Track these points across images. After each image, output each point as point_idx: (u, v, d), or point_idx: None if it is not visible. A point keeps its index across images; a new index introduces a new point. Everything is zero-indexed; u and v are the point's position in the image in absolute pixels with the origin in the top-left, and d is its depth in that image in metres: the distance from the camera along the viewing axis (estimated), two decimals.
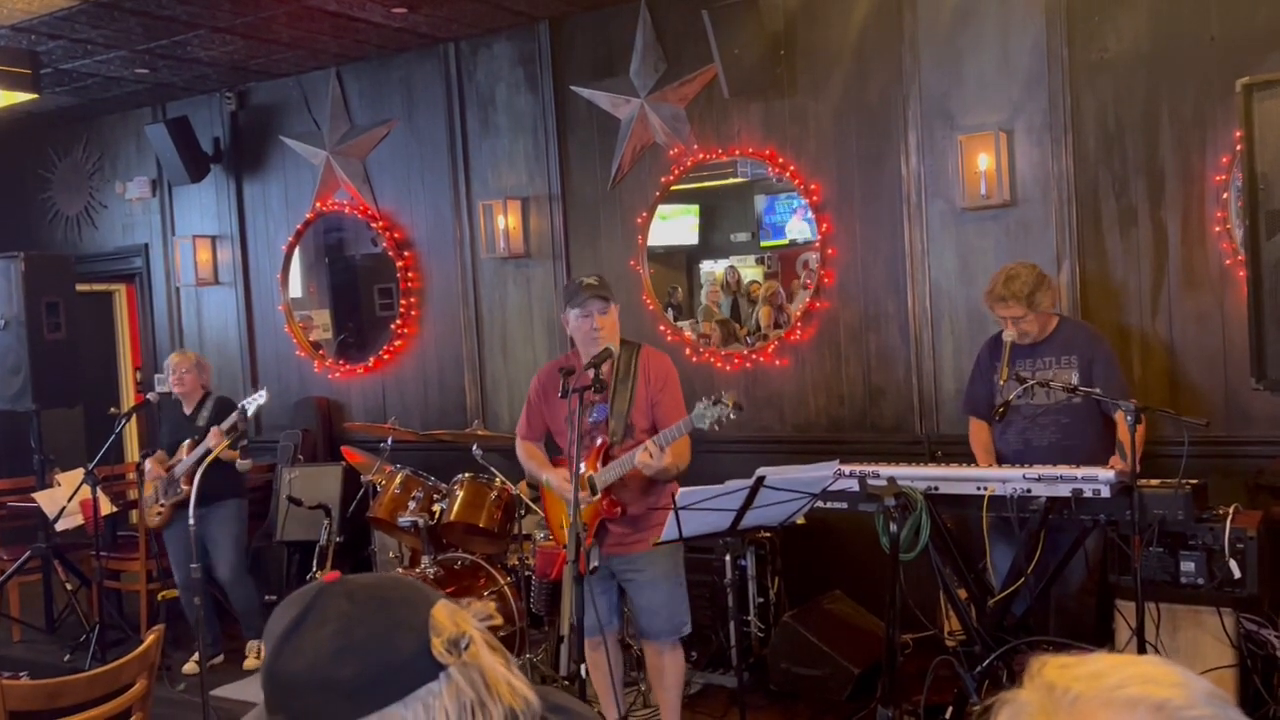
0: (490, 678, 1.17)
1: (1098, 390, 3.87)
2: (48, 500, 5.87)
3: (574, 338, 3.99)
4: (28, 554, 6.08)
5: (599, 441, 3.90)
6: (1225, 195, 4.48)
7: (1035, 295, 4.06)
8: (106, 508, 5.89)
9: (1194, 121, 4.57)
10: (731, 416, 3.63)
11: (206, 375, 5.74)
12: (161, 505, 5.48)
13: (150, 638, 2.95)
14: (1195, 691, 0.90)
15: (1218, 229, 4.53)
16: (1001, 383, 4.03)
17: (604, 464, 3.85)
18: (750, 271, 6.41)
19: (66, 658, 5.70)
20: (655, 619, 3.94)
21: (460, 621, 1.18)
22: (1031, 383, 3.93)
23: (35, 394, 6.30)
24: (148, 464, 5.63)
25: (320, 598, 1.18)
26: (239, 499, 5.63)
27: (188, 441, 5.41)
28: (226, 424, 5.19)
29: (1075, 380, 4.06)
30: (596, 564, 3.80)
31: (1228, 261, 4.51)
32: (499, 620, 1.27)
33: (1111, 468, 3.64)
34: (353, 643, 1.14)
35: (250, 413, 5.18)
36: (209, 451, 4.95)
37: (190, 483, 5.20)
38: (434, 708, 1.14)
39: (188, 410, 5.61)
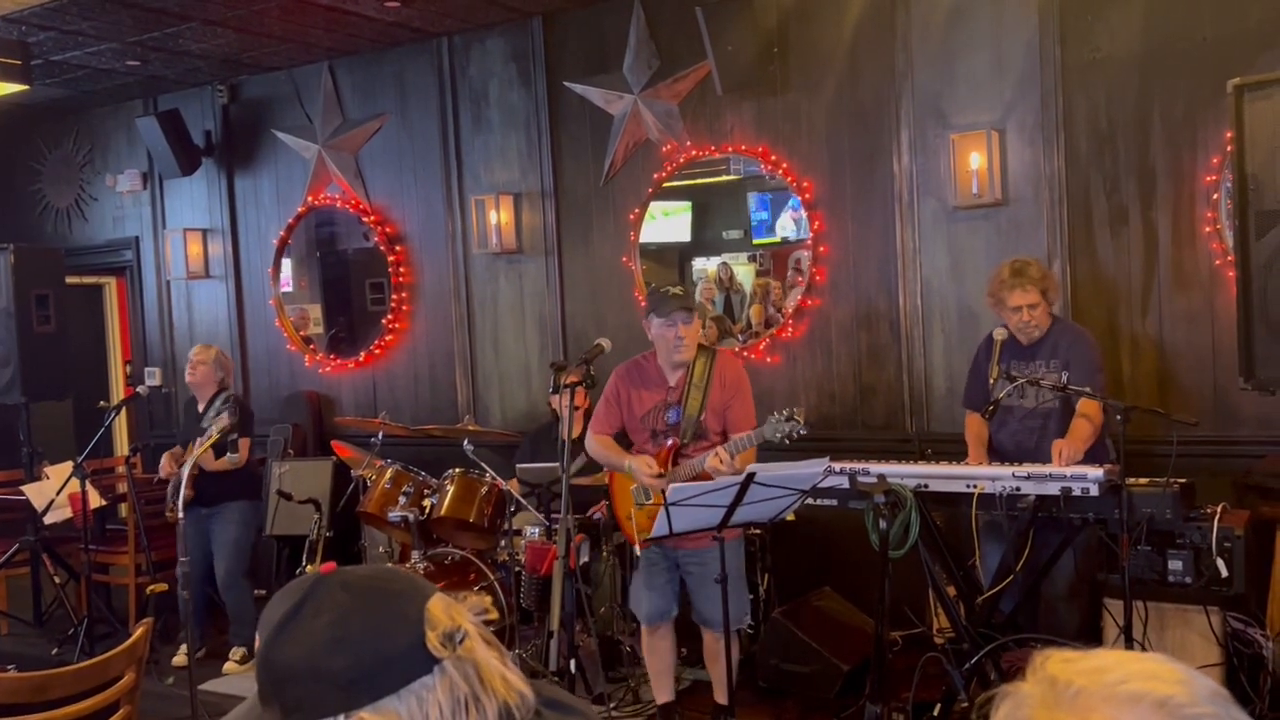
0: (485, 672, 1.17)
1: (1087, 390, 3.88)
2: (36, 493, 5.84)
3: (656, 345, 4.11)
4: (16, 547, 6.05)
5: (670, 442, 4.02)
6: (1216, 196, 4.50)
7: (1046, 283, 4.12)
8: (95, 501, 5.87)
9: (1185, 122, 4.59)
10: (802, 431, 3.74)
11: (224, 372, 5.71)
12: (172, 507, 5.46)
13: (138, 631, 2.94)
14: (1198, 689, 0.90)
15: (1208, 229, 4.55)
16: (992, 381, 4.04)
17: (674, 464, 3.98)
18: (742, 269, 6.41)
19: (54, 651, 5.67)
20: (717, 610, 3.97)
21: (456, 615, 1.18)
22: (1021, 381, 3.94)
23: (24, 387, 6.27)
24: (164, 460, 5.65)
25: (316, 588, 1.19)
26: (246, 501, 5.62)
27: (194, 442, 5.39)
28: (191, 461, 4.79)
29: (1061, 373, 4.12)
30: (586, 560, 3.82)
31: (1218, 262, 4.52)
32: (494, 615, 1.28)
33: (1058, 450, 3.72)
34: (347, 634, 1.14)
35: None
36: (196, 461, 4.96)
37: (191, 487, 5.22)
38: (427, 701, 1.13)
39: (200, 407, 5.64)
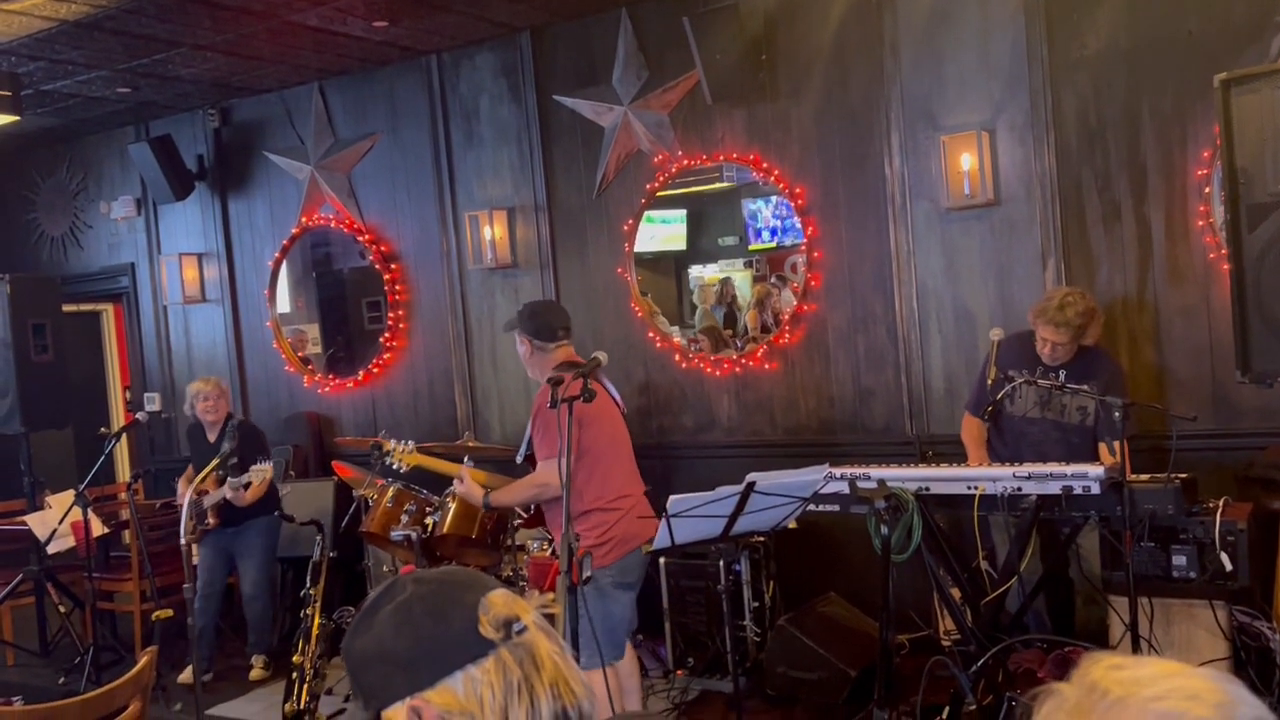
0: (540, 661, 1.22)
1: (1085, 389, 3.88)
2: (39, 523, 5.84)
3: None
4: (20, 577, 6.04)
5: None
6: (1207, 189, 4.50)
7: (1086, 328, 4.09)
8: (98, 529, 5.86)
9: (1174, 117, 4.59)
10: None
11: (228, 398, 5.91)
12: (192, 534, 5.48)
13: (144, 659, 2.94)
14: (1239, 714, 0.87)
15: (1201, 223, 4.55)
16: (989, 382, 4.04)
17: None
18: (739, 276, 6.43)
19: (61, 681, 5.67)
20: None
21: (516, 607, 1.24)
22: (1019, 381, 3.95)
23: (24, 416, 6.27)
24: (179, 484, 5.80)
25: (393, 585, 1.29)
26: (270, 515, 5.75)
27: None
28: (244, 479, 5.35)
29: (1089, 404, 4.08)
30: (589, 574, 3.80)
31: (1211, 255, 4.53)
32: (558, 610, 1.35)
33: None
34: (410, 618, 1.23)
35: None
36: (225, 497, 5.35)
37: (217, 516, 5.38)
38: (480, 682, 1.19)
39: (211, 437, 5.74)
